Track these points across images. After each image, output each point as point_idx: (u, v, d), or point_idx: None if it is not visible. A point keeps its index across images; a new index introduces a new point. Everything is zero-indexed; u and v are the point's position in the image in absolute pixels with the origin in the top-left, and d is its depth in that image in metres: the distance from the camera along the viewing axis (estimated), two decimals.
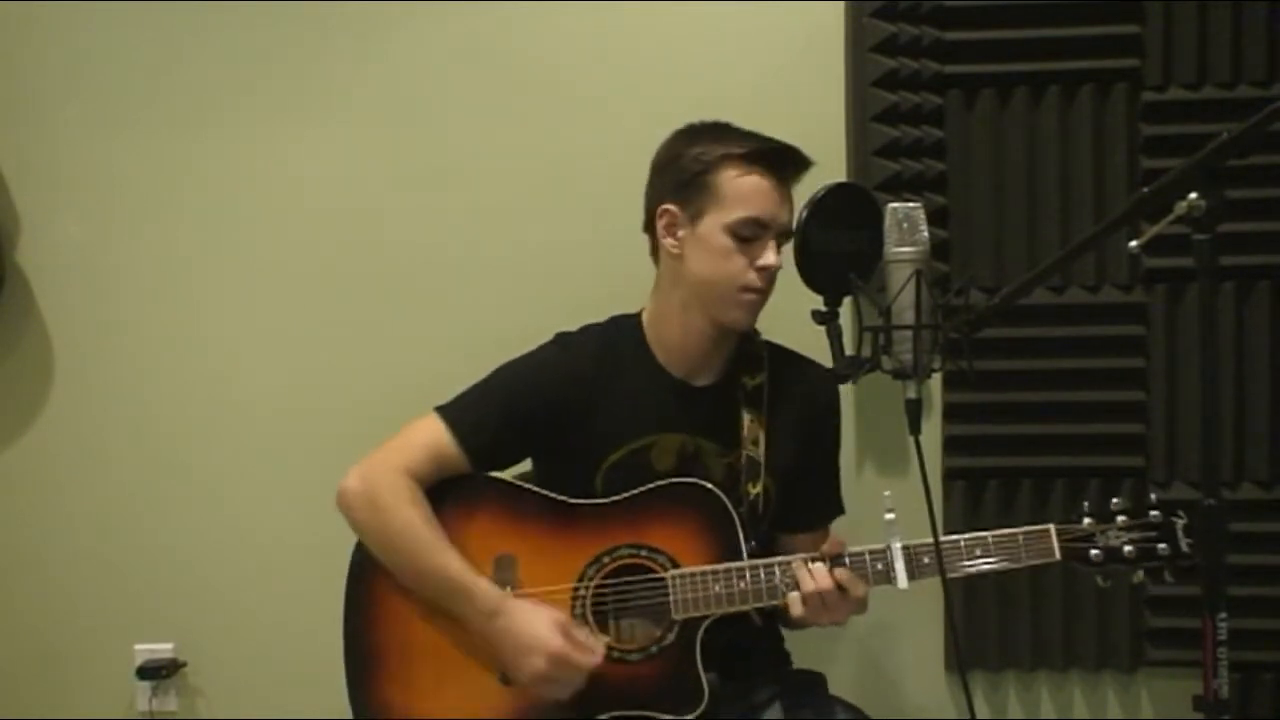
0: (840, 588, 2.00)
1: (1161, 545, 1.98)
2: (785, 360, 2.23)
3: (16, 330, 2.88)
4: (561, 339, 2.22)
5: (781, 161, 2.10)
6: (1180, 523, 1.97)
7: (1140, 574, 2.01)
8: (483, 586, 2.06)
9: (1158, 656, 2.64)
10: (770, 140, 2.12)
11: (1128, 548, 1.99)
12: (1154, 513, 2.00)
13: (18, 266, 2.87)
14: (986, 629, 2.68)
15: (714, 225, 2.09)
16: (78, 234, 2.87)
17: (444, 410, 2.17)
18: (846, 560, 2.03)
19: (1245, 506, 2.58)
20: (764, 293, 2.11)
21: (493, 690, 2.08)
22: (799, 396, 2.21)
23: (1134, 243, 1.78)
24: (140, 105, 2.84)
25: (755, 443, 2.16)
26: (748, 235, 2.08)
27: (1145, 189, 1.77)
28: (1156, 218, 1.73)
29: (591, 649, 2.04)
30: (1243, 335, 2.59)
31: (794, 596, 2.02)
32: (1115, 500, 2.03)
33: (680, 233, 2.13)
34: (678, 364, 2.19)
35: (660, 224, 2.15)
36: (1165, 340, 2.60)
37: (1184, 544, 1.96)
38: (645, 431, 2.16)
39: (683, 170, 2.12)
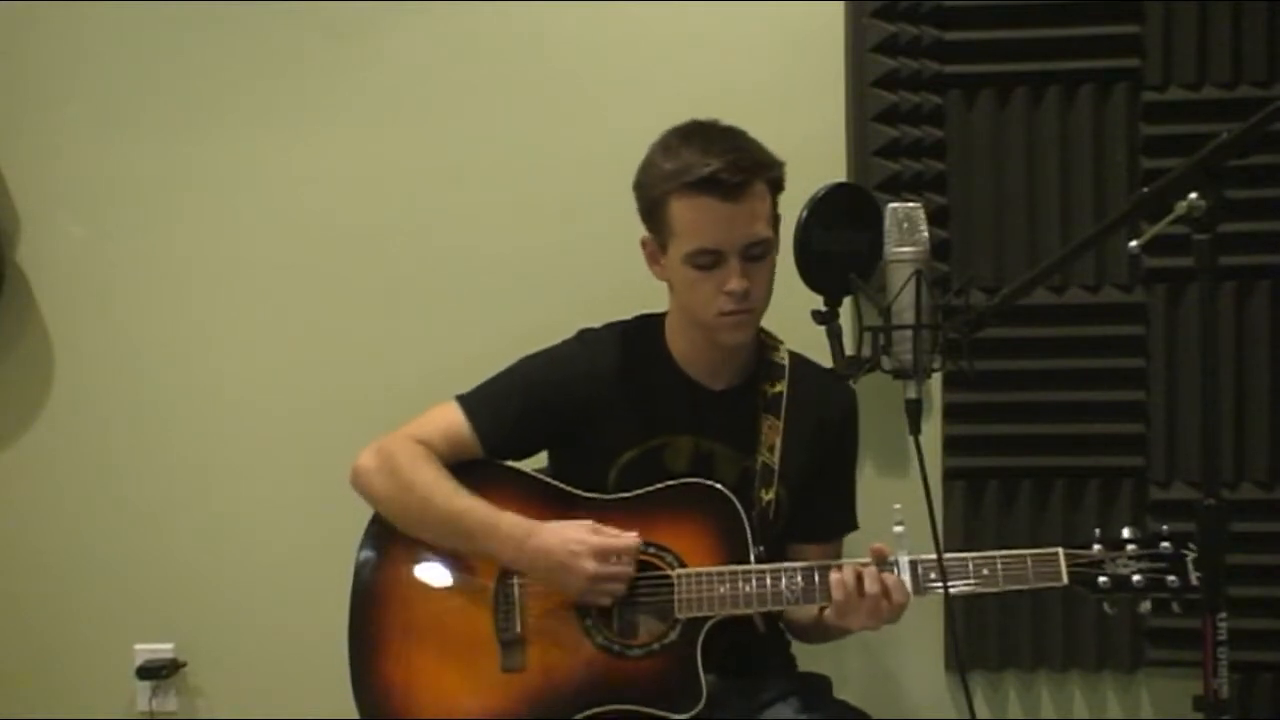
0: (886, 593, 1.98)
1: (1171, 577, 1.96)
2: (807, 371, 2.22)
3: (16, 330, 2.88)
4: (584, 335, 2.23)
5: (727, 181, 2.02)
6: (1191, 555, 1.95)
7: (1146, 604, 2.00)
8: (509, 517, 2.09)
9: (1158, 656, 2.65)
10: (717, 157, 2.03)
11: (1136, 577, 1.97)
12: (1165, 544, 1.98)
13: (18, 266, 2.87)
14: (986, 629, 2.68)
15: (676, 257, 2.09)
16: (78, 234, 2.87)
17: (464, 399, 2.19)
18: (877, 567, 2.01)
19: (1245, 506, 2.57)
20: (745, 311, 2.09)
21: (492, 676, 2.10)
22: (819, 408, 2.21)
23: (1134, 243, 1.78)
24: (140, 106, 2.84)
25: (771, 449, 2.16)
26: (705, 264, 2.07)
27: (1145, 189, 1.77)
28: (1156, 218, 1.73)
29: (627, 535, 2.06)
30: (1243, 335, 2.58)
31: (839, 589, 1.99)
32: (1127, 529, 2.02)
33: (661, 260, 2.14)
34: (695, 367, 2.20)
35: (645, 254, 2.17)
36: (1165, 340, 2.60)
37: (1194, 577, 1.93)
38: (659, 432, 2.17)
39: (643, 200, 2.13)
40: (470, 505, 2.10)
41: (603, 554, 2.04)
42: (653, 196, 2.10)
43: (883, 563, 2.00)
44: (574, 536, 2.06)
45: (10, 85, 2.86)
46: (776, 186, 2.11)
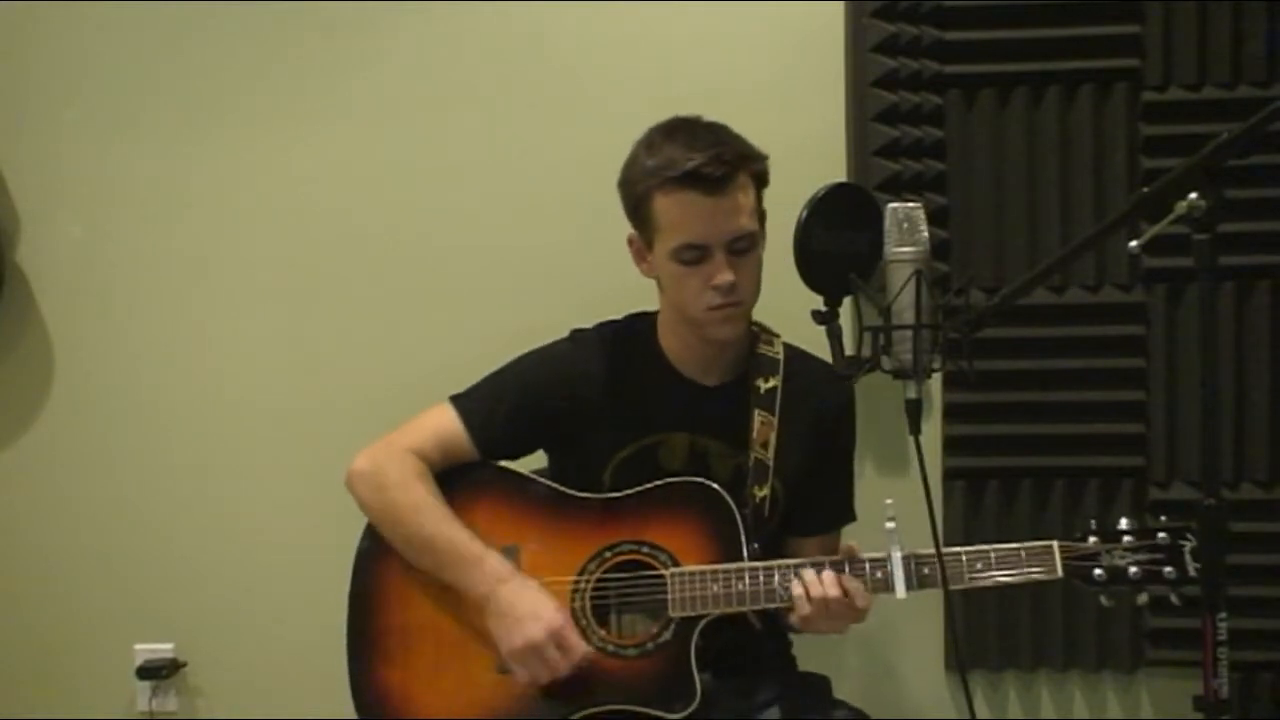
0: (846, 595, 1.99)
1: (1168, 569, 1.94)
2: (802, 365, 2.21)
3: (16, 330, 2.89)
4: (576, 335, 2.23)
5: (710, 175, 2.02)
6: (1188, 545, 1.93)
7: (1144, 596, 1.98)
8: (494, 556, 2.08)
9: (1158, 656, 2.65)
10: (700, 152, 2.03)
11: (1132, 569, 1.95)
12: (1161, 535, 1.96)
13: (18, 266, 2.87)
14: (986, 629, 2.68)
15: (661, 253, 2.09)
16: (78, 234, 2.87)
17: (456, 400, 2.19)
18: (846, 568, 2.02)
19: (1245, 506, 2.58)
20: (734, 304, 2.08)
21: (488, 678, 2.10)
22: (813, 402, 2.20)
23: (1134, 243, 1.78)
24: (140, 106, 2.84)
25: (765, 445, 2.15)
26: (691, 259, 2.06)
27: (1145, 189, 1.77)
28: (1156, 218, 1.73)
29: (582, 645, 2.04)
30: (1243, 335, 2.59)
31: (800, 600, 2.00)
32: (1123, 520, 2.00)
33: (648, 257, 2.14)
34: (688, 364, 2.19)
35: (631, 251, 2.17)
36: (1165, 340, 2.60)
37: (1191, 568, 1.91)
38: (654, 429, 2.17)
39: (628, 198, 2.13)
40: (455, 533, 2.10)
41: (555, 638, 2.02)
42: (637, 193, 2.10)
43: (852, 562, 2.01)
44: (546, 603, 2.04)
45: (11, 86, 2.86)
46: (761, 180, 2.11)
